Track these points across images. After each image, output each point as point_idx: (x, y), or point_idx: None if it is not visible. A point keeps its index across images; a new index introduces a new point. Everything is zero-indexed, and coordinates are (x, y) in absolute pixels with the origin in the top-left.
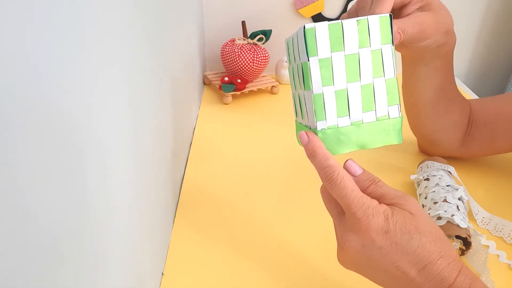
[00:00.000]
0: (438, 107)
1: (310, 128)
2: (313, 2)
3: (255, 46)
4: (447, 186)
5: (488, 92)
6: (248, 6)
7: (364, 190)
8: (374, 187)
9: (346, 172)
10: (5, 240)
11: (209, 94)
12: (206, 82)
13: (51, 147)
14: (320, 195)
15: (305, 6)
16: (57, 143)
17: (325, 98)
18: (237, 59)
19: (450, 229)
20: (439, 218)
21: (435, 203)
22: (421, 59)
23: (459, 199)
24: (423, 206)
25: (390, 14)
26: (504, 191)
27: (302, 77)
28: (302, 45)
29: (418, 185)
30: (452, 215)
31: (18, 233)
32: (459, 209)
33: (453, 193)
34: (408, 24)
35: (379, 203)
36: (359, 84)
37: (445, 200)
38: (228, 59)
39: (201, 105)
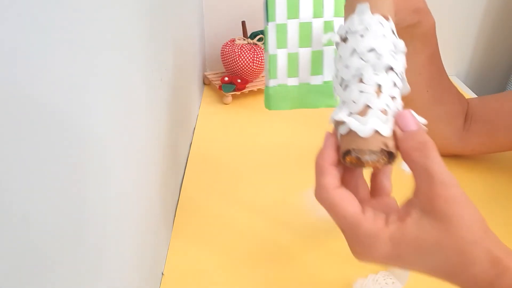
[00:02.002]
0: (426, 95)
1: (266, 86)
2: None
3: (255, 46)
4: (371, 51)
5: (488, 92)
6: (248, 6)
7: (408, 155)
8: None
9: (335, 188)
10: (2, 240)
11: (209, 94)
12: (206, 82)
13: (51, 147)
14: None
15: None
16: (55, 144)
17: (278, 59)
18: (237, 59)
19: (355, 142)
20: (342, 123)
21: (346, 87)
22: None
23: (391, 69)
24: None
25: None
26: (504, 188)
27: (263, 40)
28: (265, 11)
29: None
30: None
31: (14, 234)
32: (381, 92)
33: (379, 63)
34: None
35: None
36: (310, 50)
37: (361, 80)
38: (228, 59)
39: (201, 105)
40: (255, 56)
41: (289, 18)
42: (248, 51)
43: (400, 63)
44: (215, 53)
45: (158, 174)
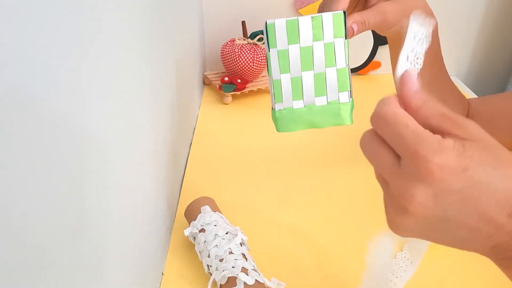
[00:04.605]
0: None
1: (272, 109)
2: (313, 2)
3: (255, 46)
4: (226, 233)
5: (488, 92)
6: (248, 6)
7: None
8: (428, 108)
9: (399, 106)
10: (3, 240)
11: (209, 94)
12: (206, 82)
13: (52, 148)
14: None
15: (305, 6)
16: (55, 144)
17: (282, 83)
18: (237, 59)
19: None
20: (233, 278)
21: (221, 260)
22: (399, 45)
23: (241, 245)
24: (208, 266)
25: (344, 11)
26: None
27: (267, 65)
28: (265, 38)
29: (194, 239)
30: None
31: (15, 234)
32: (246, 258)
33: (235, 240)
34: (369, 16)
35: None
36: (312, 73)
37: (230, 252)
38: (228, 59)
39: (201, 105)
40: (255, 56)
41: (289, 44)
42: (248, 51)
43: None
44: (215, 53)
45: (158, 174)
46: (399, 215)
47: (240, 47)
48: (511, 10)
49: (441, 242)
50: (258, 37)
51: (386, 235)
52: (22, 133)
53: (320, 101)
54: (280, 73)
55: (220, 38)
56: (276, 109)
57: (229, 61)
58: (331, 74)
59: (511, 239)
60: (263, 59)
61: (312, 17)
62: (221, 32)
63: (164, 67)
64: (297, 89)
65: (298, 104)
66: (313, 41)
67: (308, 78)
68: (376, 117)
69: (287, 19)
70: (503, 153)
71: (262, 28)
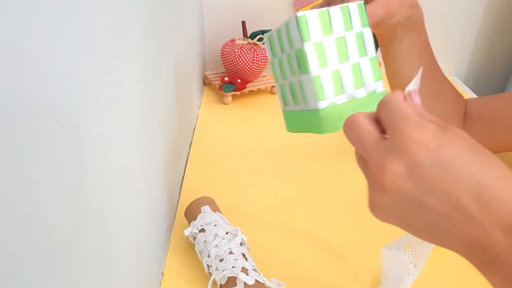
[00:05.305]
0: (423, 89)
1: (310, 110)
2: (313, 2)
3: (255, 46)
4: (226, 233)
5: (488, 92)
6: (248, 6)
7: None
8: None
9: (402, 97)
10: (3, 240)
11: (209, 94)
12: (206, 82)
13: (52, 148)
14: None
15: (305, 6)
16: (56, 144)
17: (322, 79)
18: (237, 59)
19: None
20: (233, 278)
21: (221, 260)
22: (394, 36)
23: (241, 245)
24: (208, 266)
25: (363, 1)
26: None
27: (297, 63)
28: (296, 32)
29: (195, 239)
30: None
31: (17, 234)
32: (246, 258)
33: (235, 240)
34: (376, 8)
35: None
36: (349, 64)
37: (230, 252)
38: (228, 59)
39: (201, 105)
40: (255, 56)
41: (324, 35)
42: (248, 51)
43: None
44: (215, 53)
45: (158, 173)
46: (375, 191)
47: (240, 47)
48: (511, 10)
49: (416, 231)
50: (258, 37)
51: (396, 243)
52: (23, 133)
53: (360, 93)
54: (319, 68)
55: (220, 38)
56: (320, 108)
57: (229, 61)
58: (365, 64)
59: (484, 236)
60: (263, 59)
61: (340, 7)
62: (221, 32)
63: (164, 67)
64: (338, 83)
65: (341, 99)
66: (345, 32)
67: (346, 70)
68: (381, 102)
69: (317, 10)
70: (482, 147)
71: (283, 24)
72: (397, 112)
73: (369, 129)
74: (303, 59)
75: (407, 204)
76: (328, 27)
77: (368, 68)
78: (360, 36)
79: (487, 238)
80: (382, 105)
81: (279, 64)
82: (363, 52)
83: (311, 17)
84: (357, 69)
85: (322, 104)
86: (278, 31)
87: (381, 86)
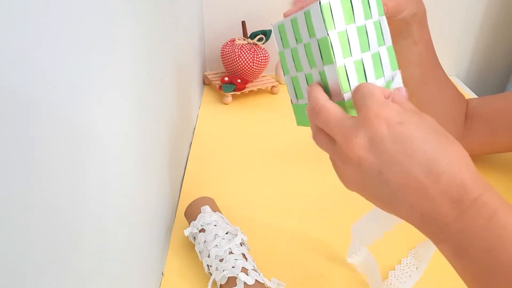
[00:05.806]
0: (426, 88)
1: (341, 101)
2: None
3: (255, 46)
4: (226, 233)
5: (488, 92)
6: (248, 6)
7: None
8: None
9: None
10: (3, 240)
11: (209, 94)
12: (206, 82)
13: (52, 147)
14: (314, 141)
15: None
16: (55, 144)
17: (347, 69)
18: (237, 59)
19: None
20: (233, 278)
21: (221, 260)
22: (399, 33)
23: (241, 245)
24: (208, 266)
25: None
26: (504, 188)
27: (320, 53)
28: (319, 20)
29: (195, 239)
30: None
31: (16, 234)
32: (246, 258)
33: (235, 240)
34: (386, 1)
35: None
36: (370, 53)
37: (230, 252)
38: (228, 59)
39: (201, 105)
40: (255, 56)
41: (346, 24)
42: (248, 51)
43: None
44: (215, 53)
45: (158, 173)
46: (343, 163)
47: (240, 47)
48: (511, 10)
49: (377, 201)
50: (258, 37)
51: (368, 217)
52: (23, 133)
53: (380, 83)
54: (343, 58)
55: (220, 38)
56: (346, 100)
57: (229, 61)
58: (384, 54)
59: (435, 208)
60: (263, 59)
61: None
62: (221, 32)
63: (164, 67)
64: (361, 74)
65: None
66: (365, 20)
67: (368, 60)
68: (355, 88)
69: None
70: (445, 131)
71: (300, 13)
72: (365, 92)
73: (335, 109)
74: (327, 49)
75: (369, 175)
76: (350, 15)
77: (386, 58)
78: (378, 24)
79: (437, 210)
80: (356, 89)
81: (292, 56)
82: (382, 41)
83: (335, 4)
84: (377, 59)
85: (347, 96)
86: (293, 20)
87: (398, 76)
